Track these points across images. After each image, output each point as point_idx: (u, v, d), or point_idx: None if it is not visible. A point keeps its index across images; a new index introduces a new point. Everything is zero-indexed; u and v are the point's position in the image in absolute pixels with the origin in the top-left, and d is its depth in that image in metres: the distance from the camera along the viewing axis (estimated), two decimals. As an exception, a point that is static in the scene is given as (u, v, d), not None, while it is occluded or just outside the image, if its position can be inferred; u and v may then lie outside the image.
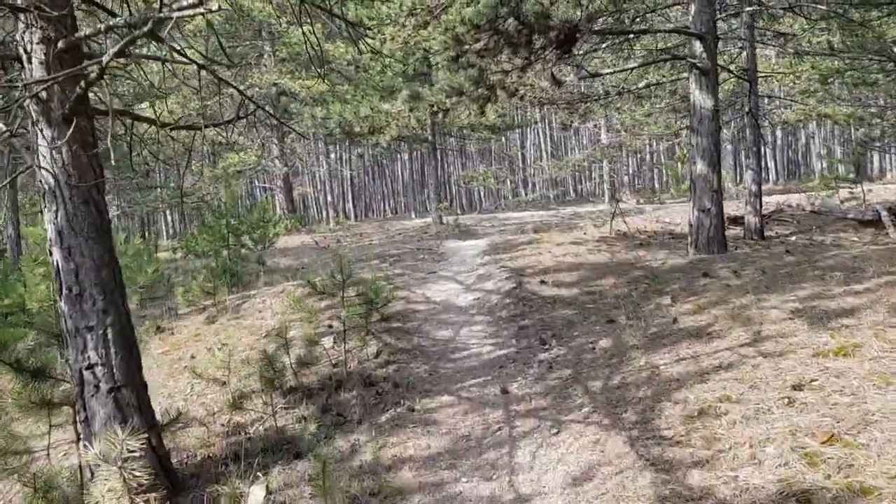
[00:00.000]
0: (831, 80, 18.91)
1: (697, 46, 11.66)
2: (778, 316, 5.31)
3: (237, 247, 15.75)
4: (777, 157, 52.03)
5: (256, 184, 46.96)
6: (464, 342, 7.08)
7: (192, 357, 8.19)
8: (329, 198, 46.26)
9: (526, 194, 53.34)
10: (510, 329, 7.18)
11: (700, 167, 11.70)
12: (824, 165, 44.31)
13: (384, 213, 64.48)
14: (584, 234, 17.69)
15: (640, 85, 13.10)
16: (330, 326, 7.68)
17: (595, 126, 18.70)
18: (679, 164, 26.35)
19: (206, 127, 6.24)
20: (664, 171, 43.14)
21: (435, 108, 11.83)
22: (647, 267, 8.40)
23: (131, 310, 10.98)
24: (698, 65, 11.41)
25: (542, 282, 8.27)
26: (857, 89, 19.53)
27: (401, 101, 11.70)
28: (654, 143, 40.04)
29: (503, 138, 46.68)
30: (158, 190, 32.75)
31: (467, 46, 9.38)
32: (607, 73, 11.91)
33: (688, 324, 5.90)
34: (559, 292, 7.93)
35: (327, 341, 7.31)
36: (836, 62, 18.85)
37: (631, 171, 49.93)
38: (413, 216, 47.42)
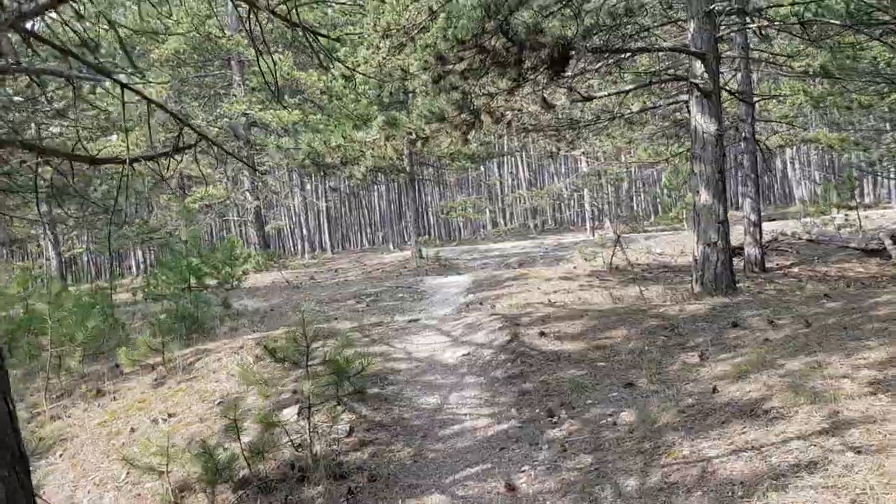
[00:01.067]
0: (823, 104, 18.17)
1: (698, 67, 10.74)
2: (854, 389, 4.22)
3: (199, 289, 14.49)
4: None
5: (231, 217, 45.63)
6: (454, 411, 5.91)
7: (132, 430, 6.93)
8: (304, 231, 45.01)
9: (505, 224, 52.48)
10: (509, 394, 6.03)
11: (704, 197, 10.72)
12: (811, 191, 43.92)
13: (362, 245, 63.19)
14: (574, 267, 16.65)
15: (634, 108, 12.15)
16: (294, 393, 6.48)
17: (584, 153, 17.78)
18: (666, 191, 25.52)
19: (134, 161, 5.10)
20: (645, 199, 42.47)
21: (413, 136, 10.79)
22: (661, 314, 7.30)
23: (71, 367, 9.70)
24: (700, 86, 10.47)
25: (542, 333, 7.14)
26: (850, 112, 18.83)
27: (376, 128, 10.64)
28: (636, 171, 39.39)
29: (482, 167, 45.86)
30: (125, 226, 31.40)
31: (450, 66, 8.35)
32: (602, 96, 10.94)
33: (732, 394, 4.79)
34: (563, 346, 6.80)
35: (290, 412, 6.11)
36: (828, 85, 18.17)
37: (611, 200, 49.27)
38: (391, 247, 46.27)
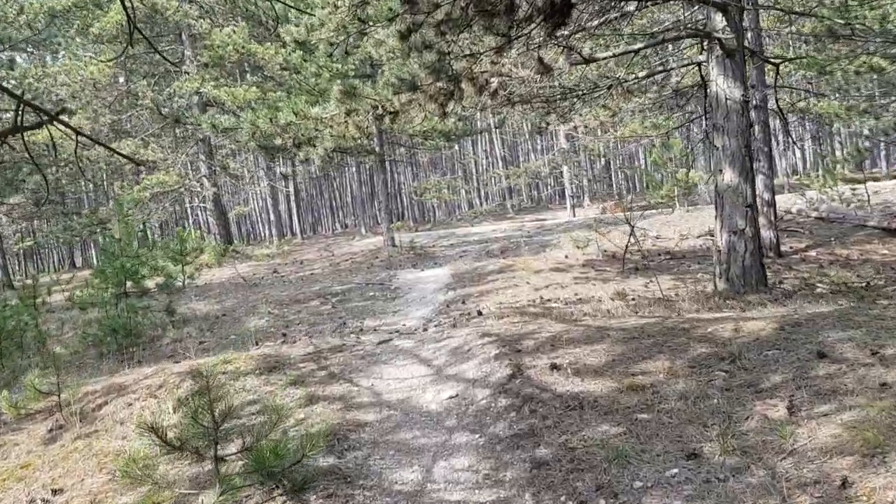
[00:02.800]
0: (830, 68, 16.52)
1: (719, 20, 8.97)
2: None
3: (139, 293, 12.55)
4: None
5: (193, 204, 43.25)
6: (441, 496, 4.14)
7: (1, 517, 5.09)
8: (272, 216, 42.83)
9: (481, 204, 50.71)
10: (517, 466, 4.28)
11: (728, 176, 8.99)
12: (799, 161, 42.55)
13: (334, 229, 61.04)
14: (566, 256, 14.92)
15: (641, 74, 10.37)
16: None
17: (574, 127, 15.90)
18: (656, 168, 23.84)
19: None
20: (623, 176, 40.89)
21: (380, 111, 8.90)
22: (710, 336, 5.56)
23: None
24: (724, 43, 8.70)
25: (554, 365, 5.38)
26: (858, 78, 17.23)
27: (333, 102, 8.74)
28: (617, 146, 37.74)
29: (456, 145, 43.95)
30: (75, 216, 29.18)
31: (423, 16, 6.48)
32: (607, 57, 9.15)
33: (880, 496, 3.06)
34: (585, 386, 5.05)
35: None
36: (839, 48, 16.58)
37: (591, 177, 47.60)
38: (364, 231, 44.36)
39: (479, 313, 9.71)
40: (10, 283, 26.00)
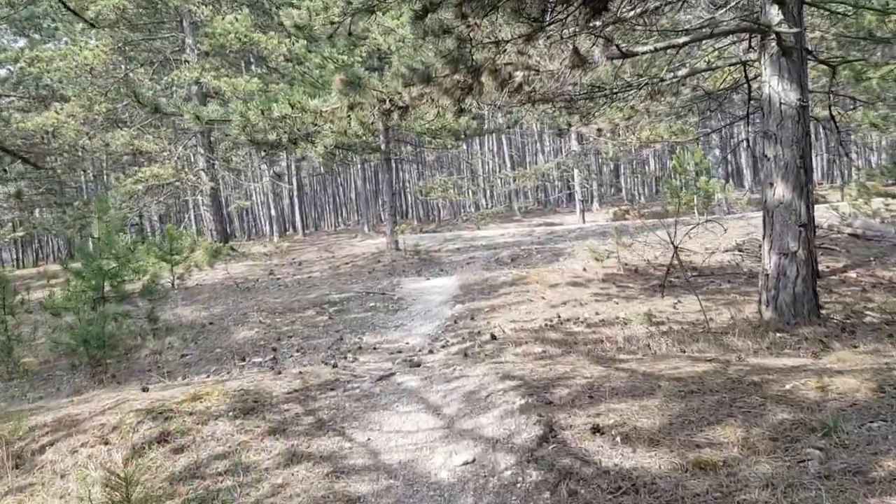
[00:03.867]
0: (867, 75, 15.40)
1: (774, 14, 7.89)
2: None
3: (119, 298, 11.52)
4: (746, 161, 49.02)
5: (191, 198, 42.22)
6: None
7: None
8: (273, 211, 41.80)
9: (487, 205, 49.62)
10: (557, 578, 3.21)
11: (780, 191, 7.91)
12: (823, 171, 41.23)
13: (336, 226, 59.98)
14: (583, 269, 13.84)
15: (681, 73, 9.29)
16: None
17: (599, 130, 14.82)
18: (674, 176, 22.73)
19: None
20: (634, 181, 39.78)
21: (387, 105, 7.85)
22: (788, 396, 4.49)
23: None
24: (783, 39, 7.63)
25: (596, 427, 4.31)
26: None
27: (335, 94, 7.70)
28: (635, 151, 36.61)
29: (464, 144, 42.89)
30: (67, 208, 28.15)
31: (441, -7, 5.44)
32: (646, 52, 8.06)
33: None
34: (637, 459, 3.98)
35: None
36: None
37: (602, 182, 46.42)
38: (366, 229, 43.36)
39: (493, 337, 8.64)
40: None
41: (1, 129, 22.82)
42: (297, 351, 10.07)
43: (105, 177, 35.28)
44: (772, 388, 4.56)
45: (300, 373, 6.66)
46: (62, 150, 23.41)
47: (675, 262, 12.62)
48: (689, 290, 12.01)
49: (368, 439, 4.80)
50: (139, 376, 9.48)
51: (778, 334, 7.39)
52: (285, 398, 5.50)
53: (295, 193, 51.80)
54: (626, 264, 13.62)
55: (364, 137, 14.51)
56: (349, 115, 7.79)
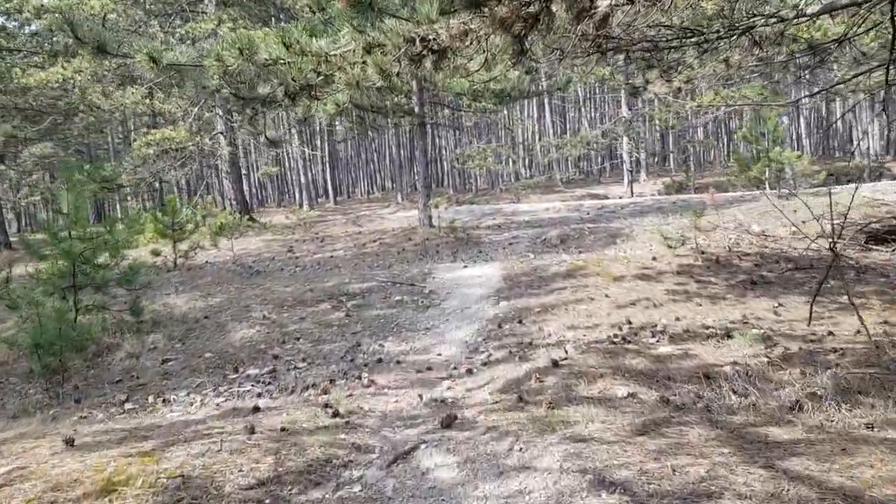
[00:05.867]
0: None
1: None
2: None
3: (98, 286, 9.62)
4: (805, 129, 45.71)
5: (219, 165, 40.45)
6: None
7: None
8: (303, 178, 39.93)
9: (528, 175, 47.07)
10: None
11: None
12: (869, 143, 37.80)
13: (370, 192, 58.01)
14: (653, 258, 11.57)
15: (810, 10, 6.93)
16: None
17: (678, 89, 12.32)
18: (743, 144, 20.13)
19: None
20: (695, 151, 36.92)
21: (417, 47, 5.66)
22: None
23: None
24: None
25: None
26: None
27: (345, 29, 5.55)
28: (693, 117, 33.76)
29: (505, 110, 40.37)
30: (76, 172, 26.34)
31: None
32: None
33: None
34: None
35: None
36: None
37: (655, 149, 43.47)
38: (400, 198, 41.30)
39: (555, 364, 6.46)
40: (8, 242, 23.52)
41: (7, 87, 21.04)
42: (303, 360, 8.07)
43: (132, 139, 33.67)
44: None
45: (282, 430, 4.60)
46: (69, 110, 21.58)
47: (765, 249, 10.33)
48: (789, 289, 9.73)
49: None
50: (106, 392, 7.58)
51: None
52: (241, 500, 3.45)
53: (326, 160, 49.85)
54: (702, 252, 11.33)
55: (387, 94, 12.22)
56: (364, 61, 5.64)
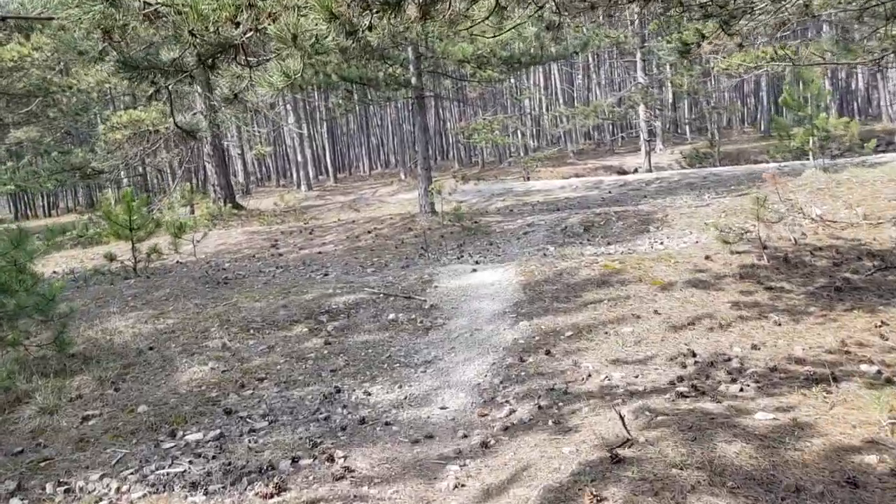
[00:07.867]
0: None
1: None
2: None
3: (7, 315, 7.61)
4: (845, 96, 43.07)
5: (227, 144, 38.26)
6: None
7: None
8: (299, 157, 37.86)
9: (536, 146, 44.72)
10: None
11: None
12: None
13: (372, 168, 55.77)
14: (705, 256, 9.44)
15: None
16: None
17: (740, 45, 10.10)
18: (788, 110, 17.86)
19: None
20: (713, 118, 34.51)
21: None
22: None
23: None
24: None
25: None
26: None
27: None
28: (715, 82, 31.37)
29: (512, 79, 37.98)
30: (41, 159, 24.65)
31: None
32: None
33: None
34: None
35: None
36: None
37: (668, 116, 40.95)
38: (403, 176, 39.28)
39: (615, 459, 4.33)
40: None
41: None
42: (263, 417, 6.08)
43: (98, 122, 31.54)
44: None
45: None
46: (31, 91, 19.46)
47: (837, 241, 8.24)
48: (886, 297, 7.64)
49: None
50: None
51: None
52: None
53: (326, 136, 47.56)
54: (765, 247, 9.20)
55: (370, 60, 9.93)
56: (306, 2, 3.58)
